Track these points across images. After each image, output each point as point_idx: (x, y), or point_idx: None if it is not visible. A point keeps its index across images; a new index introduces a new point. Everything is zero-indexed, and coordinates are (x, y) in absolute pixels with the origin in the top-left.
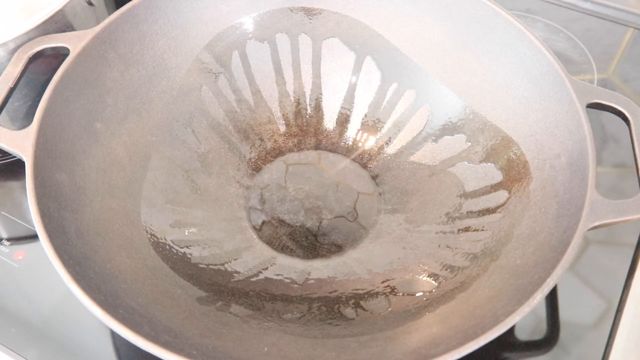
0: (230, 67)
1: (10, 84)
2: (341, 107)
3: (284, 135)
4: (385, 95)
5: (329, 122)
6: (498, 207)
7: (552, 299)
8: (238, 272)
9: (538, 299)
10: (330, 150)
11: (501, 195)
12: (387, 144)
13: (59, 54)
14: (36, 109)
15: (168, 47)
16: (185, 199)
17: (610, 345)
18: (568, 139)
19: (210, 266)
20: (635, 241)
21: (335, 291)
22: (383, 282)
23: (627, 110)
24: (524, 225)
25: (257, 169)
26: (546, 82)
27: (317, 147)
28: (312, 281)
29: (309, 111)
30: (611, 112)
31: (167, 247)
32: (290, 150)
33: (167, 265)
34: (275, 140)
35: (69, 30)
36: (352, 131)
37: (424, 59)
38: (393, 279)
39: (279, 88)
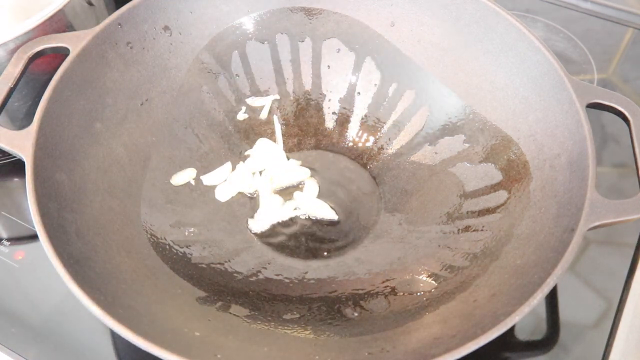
0: (230, 67)
1: (10, 84)
2: (341, 107)
3: (284, 135)
4: (385, 95)
5: (329, 122)
6: (498, 207)
7: (552, 299)
8: (238, 272)
9: (538, 299)
10: (330, 150)
11: (501, 195)
12: (387, 144)
13: (59, 54)
14: (36, 109)
15: (168, 47)
16: (185, 199)
17: (610, 345)
18: (568, 139)
19: (210, 266)
20: (635, 241)
21: (335, 291)
22: (383, 282)
23: (627, 110)
24: (524, 225)
25: None
26: (546, 82)
27: (317, 147)
28: (312, 281)
29: (309, 111)
30: (611, 112)
31: (167, 247)
32: (290, 150)
33: (167, 265)
34: (275, 140)
35: (69, 30)
36: (352, 131)
37: (424, 59)
38: (393, 279)
39: (279, 88)
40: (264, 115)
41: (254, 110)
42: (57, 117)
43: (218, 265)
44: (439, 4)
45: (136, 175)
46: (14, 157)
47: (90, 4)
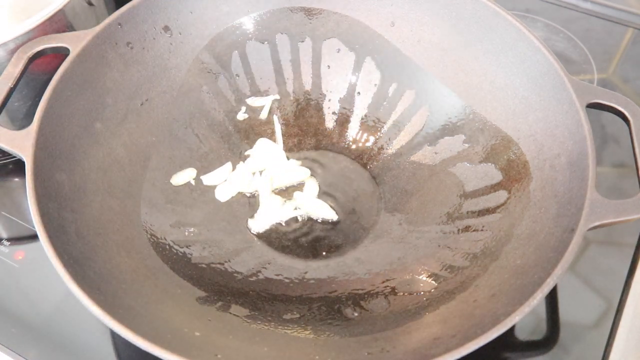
0: (230, 67)
1: (10, 84)
2: (341, 107)
3: (284, 135)
4: (385, 95)
5: (329, 122)
6: (498, 207)
7: (552, 299)
8: (238, 272)
9: (538, 299)
10: (330, 150)
11: (501, 195)
12: (387, 144)
13: (59, 54)
14: (36, 109)
15: (168, 47)
16: (185, 199)
17: (610, 345)
18: (568, 139)
19: (210, 266)
20: (635, 241)
21: (335, 291)
22: (383, 282)
23: (627, 110)
24: (524, 225)
25: None
26: (546, 82)
27: (317, 147)
28: (312, 281)
29: (309, 111)
30: (611, 112)
31: (167, 247)
32: (290, 150)
33: (167, 265)
34: (275, 140)
35: (69, 30)
36: (352, 131)
37: (424, 59)
38: (393, 279)
39: (279, 88)
40: (264, 115)
41: (254, 110)
42: (57, 117)
43: (218, 265)
44: (439, 4)
45: (136, 175)
46: (14, 157)
47: (90, 4)
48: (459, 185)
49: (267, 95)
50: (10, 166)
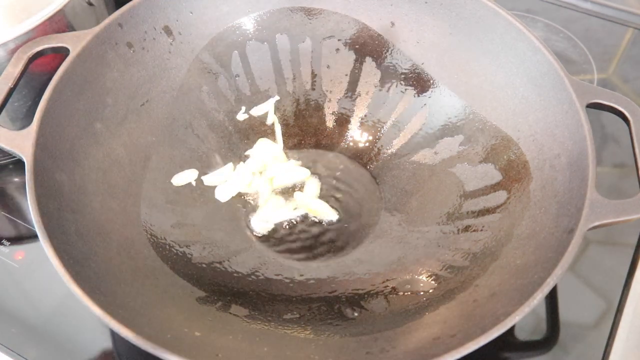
0: (230, 67)
1: (10, 84)
2: (341, 107)
3: (284, 135)
4: (385, 95)
5: (329, 122)
6: (498, 207)
7: (552, 299)
8: (238, 272)
9: (538, 299)
10: (331, 150)
11: (501, 195)
12: (387, 144)
13: (59, 54)
14: (36, 109)
15: (168, 47)
16: (185, 199)
17: (610, 345)
18: (568, 139)
19: (210, 266)
20: (635, 241)
21: (335, 291)
22: (383, 282)
23: (627, 110)
24: (524, 225)
25: None
26: (546, 82)
27: (317, 147)
28: (311, 281)
29: (309, 111)
30: (611, 112)
31: (167, 247)
32: (291, 150)
33: (167, 265)
34: (275, 140)
35: (69, 30)
36: (352, 131)
37: (424, 59)
38: (393, 279)
39: (279, 88)
40: (269, 120)
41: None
42: (57, 117)
43: (218, 265)
44: (439, 4)
45: (136, 175)
46: (14, 157)
47: (90, 4)
48: (459, 186)
49: (267, 95)
50: (10, 166)
